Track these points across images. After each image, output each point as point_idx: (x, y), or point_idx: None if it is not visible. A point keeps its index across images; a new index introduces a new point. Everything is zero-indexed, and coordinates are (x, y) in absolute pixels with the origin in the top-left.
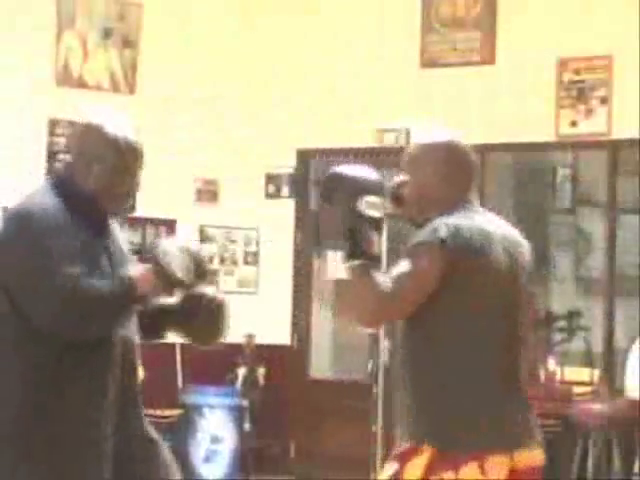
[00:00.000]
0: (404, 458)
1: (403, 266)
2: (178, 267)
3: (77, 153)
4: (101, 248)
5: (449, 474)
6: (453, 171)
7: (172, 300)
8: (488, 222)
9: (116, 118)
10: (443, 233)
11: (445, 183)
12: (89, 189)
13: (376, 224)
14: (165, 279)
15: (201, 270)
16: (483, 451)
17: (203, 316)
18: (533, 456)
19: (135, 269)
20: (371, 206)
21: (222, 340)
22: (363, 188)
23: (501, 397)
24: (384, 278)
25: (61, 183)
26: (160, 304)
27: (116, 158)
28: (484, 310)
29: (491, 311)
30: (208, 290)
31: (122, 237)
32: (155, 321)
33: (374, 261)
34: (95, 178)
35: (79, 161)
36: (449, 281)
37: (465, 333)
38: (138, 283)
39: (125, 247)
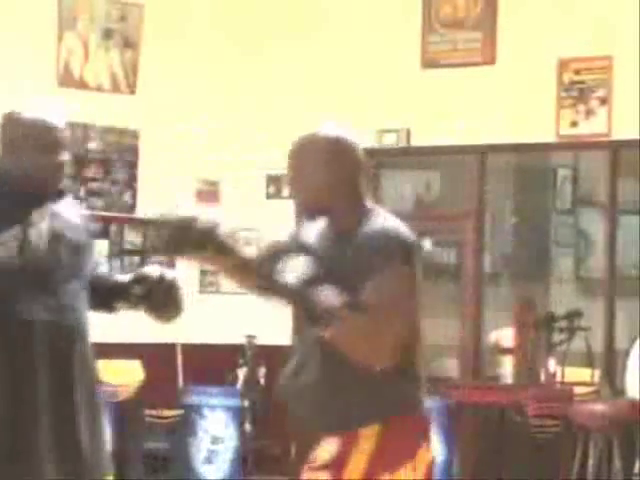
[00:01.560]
0: (338, 465)
1: (381, 297)
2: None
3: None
4: (28, 232)
5: (385, 476)
6: (342, 167)
7: (125, 277)
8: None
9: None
10: (405, 243)
11: (336, 180)
12: (12, 172)
13: (315, 282)
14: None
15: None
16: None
17: (155, 297)
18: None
19: None
20: (296, 268)
21: (178, 316)
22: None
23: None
24: (365, 318)
25: None
26: (114, 280)
27: (26, 135)
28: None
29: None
30: (157, 271)
31: (75, 220)
32: (108, 295)
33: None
34: (14, 158)
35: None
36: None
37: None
38: None
39: (73, 231)
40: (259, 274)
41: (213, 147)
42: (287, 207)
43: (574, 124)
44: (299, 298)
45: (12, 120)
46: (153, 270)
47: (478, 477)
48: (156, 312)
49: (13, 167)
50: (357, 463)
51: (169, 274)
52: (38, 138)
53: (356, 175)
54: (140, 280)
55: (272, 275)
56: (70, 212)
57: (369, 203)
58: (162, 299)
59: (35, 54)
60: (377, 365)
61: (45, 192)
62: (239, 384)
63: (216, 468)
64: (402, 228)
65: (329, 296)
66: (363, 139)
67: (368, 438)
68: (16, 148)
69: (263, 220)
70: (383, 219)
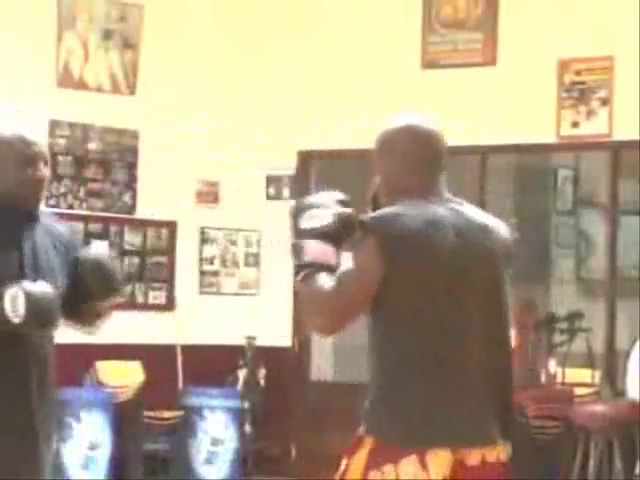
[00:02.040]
0: (350, 452)
1: (345, 264)
2: (12, 308)
3: None
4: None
5: (389, 467)
6: (412, 157)
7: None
8: (443, 210)
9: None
10: (372, 225)
11: (406, 170)
12: None
13: (323, 235)
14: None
15: (40, 317)
16: (422, 447)
17: (86, 278)
18: (485, 453)
19: None
20: (313, 218)
21: (119, 292)
22: (305, 206)
23: (441, 392)
24: (328, 279)
25: None
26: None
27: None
28: (424, 301)
29: (433, 303)
30: (84, 252)
31: (50, 240)
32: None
33: (321, 268)
34: None
35: None
36: (389, 273)
37: (404, 324)
38: None
39: (46, 250)
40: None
41: (213, 147)
42: (287, 208)
43: (575, 125)
44: (295, 238)
45: None
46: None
47: None
48: (89, 293)
49: None
50: (358, 460)
51: (95, 251)
52: (17, 154)
53: (411, 166)
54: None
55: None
56: (48, 231)
57: (429, 194)
58: (91, 278)
59: (35, 54)
60: (312, 330)
61: (25, 209)
62: (239, 385)
63: (216, 469)
64: (401, 216)
65: (316, 251)
66: (363, 140)
67: (364, 447)
68: None
69: (263, 221)
70: (403, 206)
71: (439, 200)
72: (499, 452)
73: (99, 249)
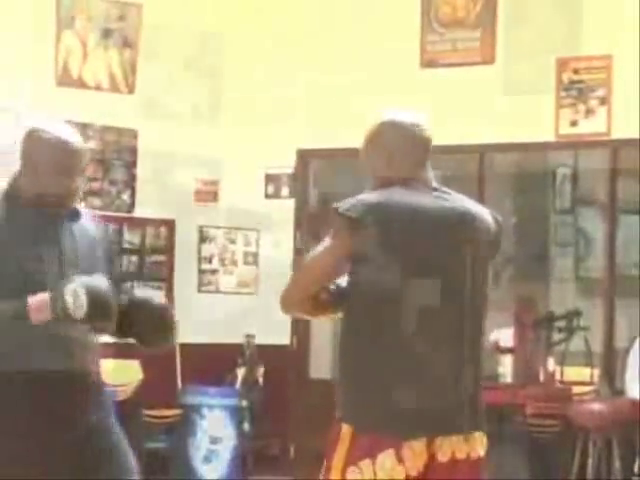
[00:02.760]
0: (330, 450)
1: (318, 246)
2: (75, 303)
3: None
4: (41, 248)
5: (366, 463)
6: (395, 151)
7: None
8: (423, 198)
9: (57, 123)
10: (347, 210)
11: (390, 164)
12: (28, 189)
13: None
14: (58, 312)
15: (102, 310)
16: (398, 439)
17: (147, 323)
18: (455, 450)
19: (36, 297)
20: None
21: (170, 344)
22: None
23: (416, 379)
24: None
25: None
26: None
27: (44, 157)
28: (397, 286)
29: (407, 287)
30: (153, 296)
31: (89, 239)
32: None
33: None
34: (31, 177)
35: (20, 164)
36: (361, 256)
37: (377, 310)
38: (31, 311)
39: (86, 249)
40: None
41: (212, 146)
42: (286, 207)
43: (574, 123)
44: None
45: (34, 138)
46: (149, 295)
47: None
48: (147, 341)
49: (29, 185)
50: (339, 456)
51: (158, 300)
52: (55, 161)
53: (394, 159)
54: (133, 306)
55: None
56: (84, 229)
57: (414, 184)
58: (154, 325)
59: (34, 53)
60: (281, 309)
61: (58, 211)
62: (238, 384)
63: (215, 468)
64: (365, 202)
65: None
66: (362, 139)
67: (343, 441)
68: (34, 166)
69: (262, 220)
70: (373, 194)
71: (423, 188)
72: (471, 448)
73: (157, 298)
